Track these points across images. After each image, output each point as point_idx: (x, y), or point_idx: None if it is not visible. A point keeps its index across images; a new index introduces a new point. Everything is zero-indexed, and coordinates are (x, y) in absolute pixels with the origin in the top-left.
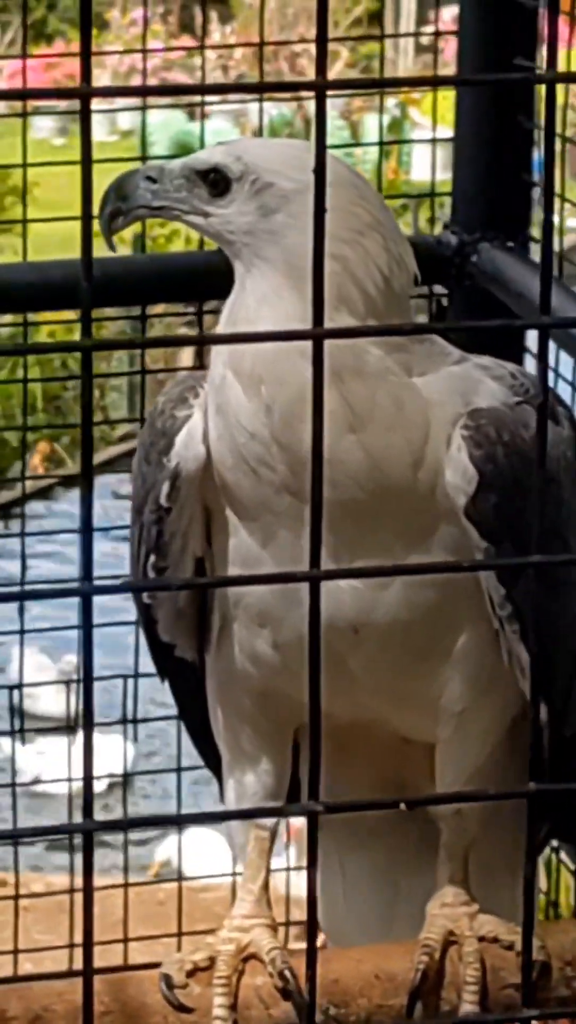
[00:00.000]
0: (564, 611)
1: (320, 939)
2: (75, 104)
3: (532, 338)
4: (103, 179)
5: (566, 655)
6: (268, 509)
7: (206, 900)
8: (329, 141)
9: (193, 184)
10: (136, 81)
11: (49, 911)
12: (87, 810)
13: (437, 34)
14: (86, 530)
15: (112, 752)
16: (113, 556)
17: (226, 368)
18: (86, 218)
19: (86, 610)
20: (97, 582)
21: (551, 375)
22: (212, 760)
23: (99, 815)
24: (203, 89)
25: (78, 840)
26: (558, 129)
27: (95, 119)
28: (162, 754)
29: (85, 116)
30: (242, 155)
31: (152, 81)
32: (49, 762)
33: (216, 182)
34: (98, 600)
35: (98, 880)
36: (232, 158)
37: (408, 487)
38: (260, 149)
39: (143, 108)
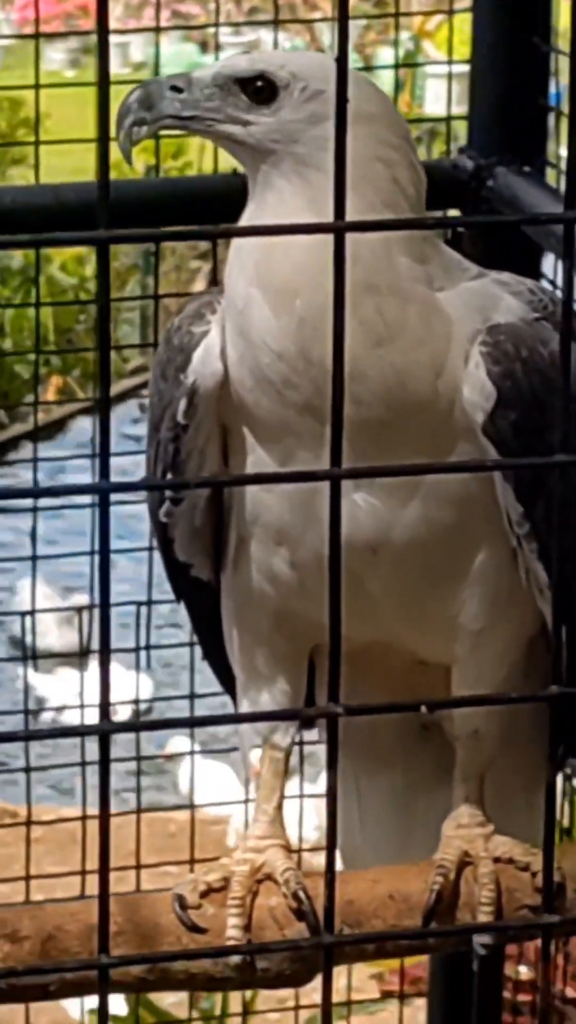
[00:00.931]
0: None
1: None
2: (83, 41)
3: (548, 264)
4: (114, 109)
5: None
6: (288, 430)
7: (217, 832)
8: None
9: (227, 92)
10: (149, 12)
11: (61, 842)
12: (104, 711)
13: None
14: (104, 431)
15: (127, 685)
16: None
17: (251, 286)
18: (103, 137)
19: (103, 509)
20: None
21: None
22: (228, 682)
23: (115, 749)
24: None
25: (91, 773)
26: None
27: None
28: (177, 687)
29: (103, 47)
30: (286, 63)
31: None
32: (60, 693)
33: (261, 89)
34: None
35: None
36: (276, 66)
37: (429, 404)
38: (299, 59)
39: (156, 41)
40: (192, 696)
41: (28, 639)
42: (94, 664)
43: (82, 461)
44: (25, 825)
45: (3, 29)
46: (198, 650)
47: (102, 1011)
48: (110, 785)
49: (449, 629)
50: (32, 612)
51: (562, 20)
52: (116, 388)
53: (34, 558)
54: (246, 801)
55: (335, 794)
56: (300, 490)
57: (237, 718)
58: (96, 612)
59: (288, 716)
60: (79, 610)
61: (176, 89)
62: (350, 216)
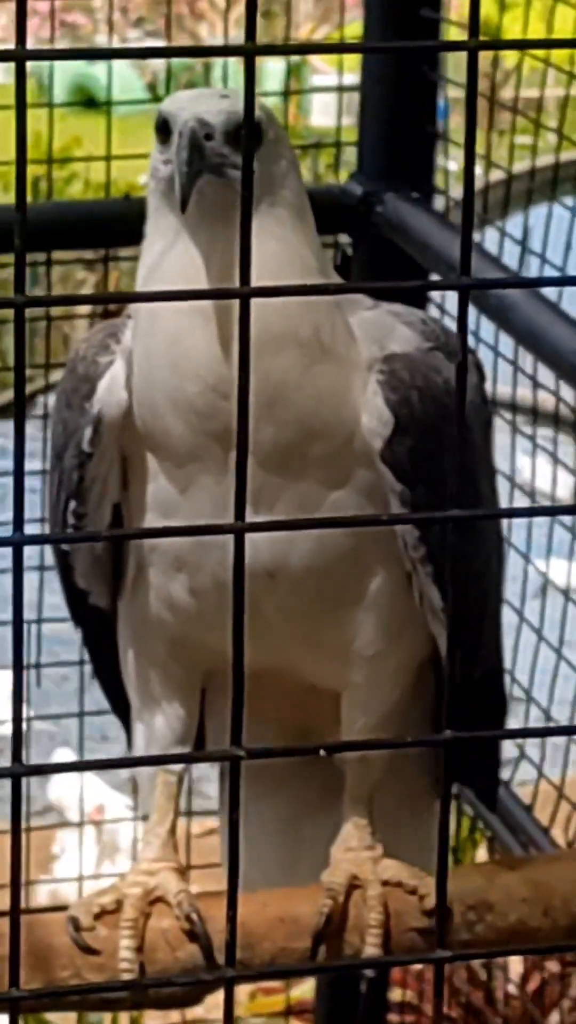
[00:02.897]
0: (476, 552)
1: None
2: None
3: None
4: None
5: (477, 597)
6: (195, 456)
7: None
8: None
9: (232, 138)
10: (35, 21)
11: None
12: (15, 754)
13: None
14: (17, 480)
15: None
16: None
17: (188, 316)
18: (20, 178)
19: (16, 560)
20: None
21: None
22: (118, 704)
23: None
24: (154, 52)
25: None
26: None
27: None
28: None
29: (20, 77)
30: (261, 106)
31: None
32: None
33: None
34: None
35: None
36: (262, 111)
37: (334, 430)
38: (256, 100)
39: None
40: (81, 715)
41: None
42: None
43: None
44: None
45: None
46: (88, 668)
47: None
48: (20, 828)
49: (343, 654)
50: None
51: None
52: (3, 399)
53: None
54: (135, 819)
55: (237, 830)
56: (200, 517)
57: (137, 761)
58: None
59: (188, 759)
60: None
61: (208, 137)
62: (310, 245)
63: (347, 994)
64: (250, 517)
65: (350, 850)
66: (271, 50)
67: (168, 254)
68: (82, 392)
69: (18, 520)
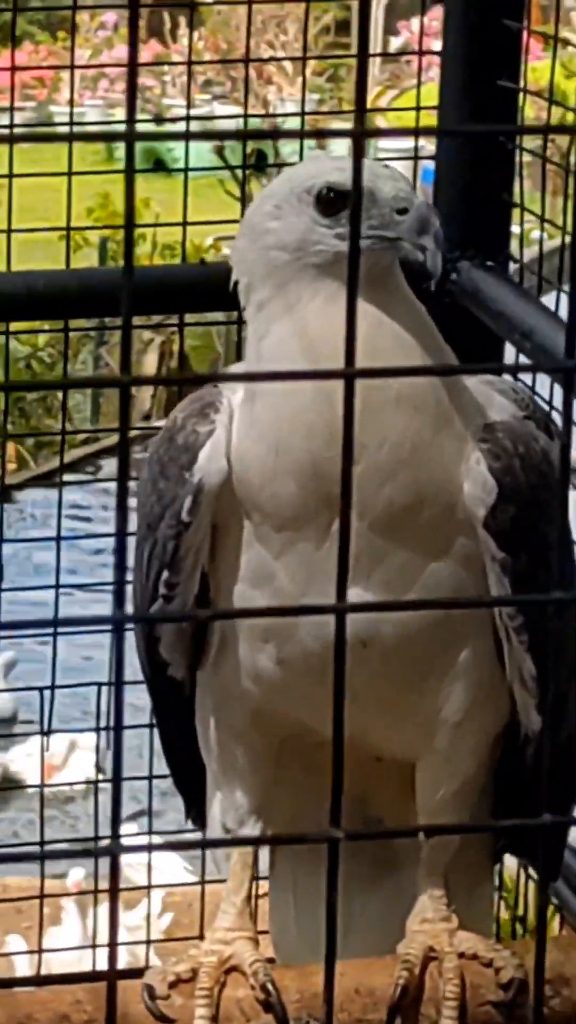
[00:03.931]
0: (571, 621)
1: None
2: (38, 112)
3: (509, 353)
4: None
5: (565, 664)
6: (299, 521)
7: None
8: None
9: None
10: (103, 82)
11: (4, 913)
12: (115, 830)
13: (421, 54)
14: (119, 560)
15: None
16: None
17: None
18: (127, 255)
19: (118, 640)
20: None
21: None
22: (183, 778)
23: (71, 814)
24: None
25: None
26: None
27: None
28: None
29: (130, 155)
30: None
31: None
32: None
33: None
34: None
35: (57, 885)
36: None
37: (440, 498)
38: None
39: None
40: (151, 777)
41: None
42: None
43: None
44: None
45: None
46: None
47: None
48: (118, 902)
49: (428, 722)
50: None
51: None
52: (67, 457)
53: None
54: (202, 883)
55: (335, 912)
56: (294, 583)
57: (241, 842)
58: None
59: (286, 841)
60: (41, 690)
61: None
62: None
63: None
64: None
65: (426, 921)
66: (378, 133)
67: (321, 323)
68: (181, 461)
69: (119, 597)
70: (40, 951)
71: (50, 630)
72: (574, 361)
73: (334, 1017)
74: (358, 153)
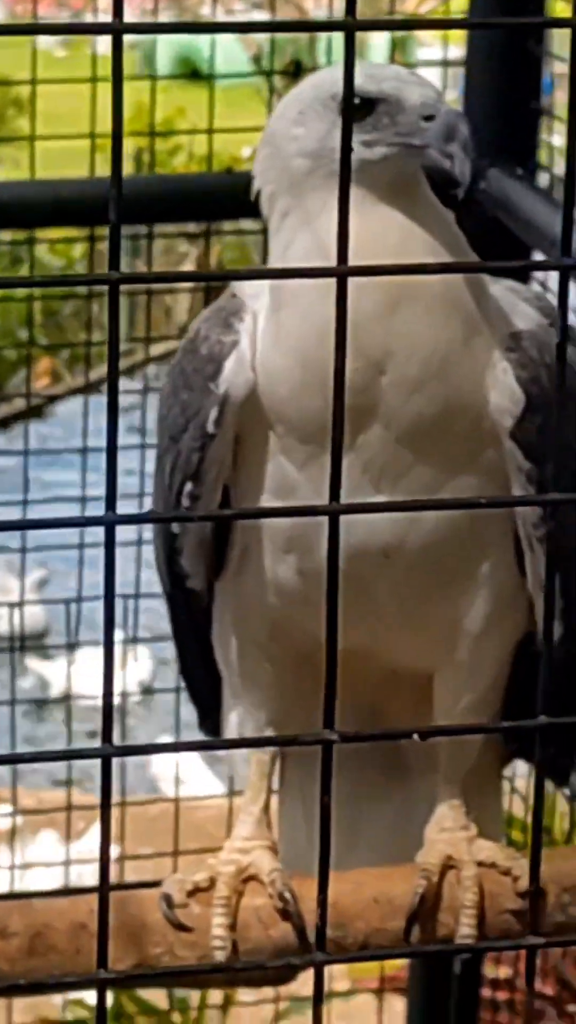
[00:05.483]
0: None
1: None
2: (76, 17)
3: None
4: (104, 95)
5: None
6: (325, 433)
7: (197, 819)
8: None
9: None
10: None
11: (38, 825)
12: (106, 735)
13: None
14: (110, 460)
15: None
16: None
17: (361, 296)
18: (116, 153)
19: (108, 540)
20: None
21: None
22: (197, 688)
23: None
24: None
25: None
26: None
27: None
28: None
29: (117, 50)
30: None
31: None
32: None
33: None
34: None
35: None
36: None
37: (470, 407)
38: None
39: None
40: (178, 690)
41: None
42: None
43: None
44: (11, 816)
45: None
46: None
47: (100, 1022)
48: (111, 806)
49: (449, 632)
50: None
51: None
52: (103, 370)
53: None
54: (229, 795)
55: (328, 815)
56: (318, 496)
57: (234, 743)
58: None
59: (280, 743)
60: (67, 603)
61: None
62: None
63: (441, 968)
64: (371, 496)
65: (445, 830)
66: (371, 25)
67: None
68: (206, 372)
69: (111, 499)
70: (67, 863)
71: (77, 543)
72: (571, 260)
73: (352, 925)
74: (349, 46)
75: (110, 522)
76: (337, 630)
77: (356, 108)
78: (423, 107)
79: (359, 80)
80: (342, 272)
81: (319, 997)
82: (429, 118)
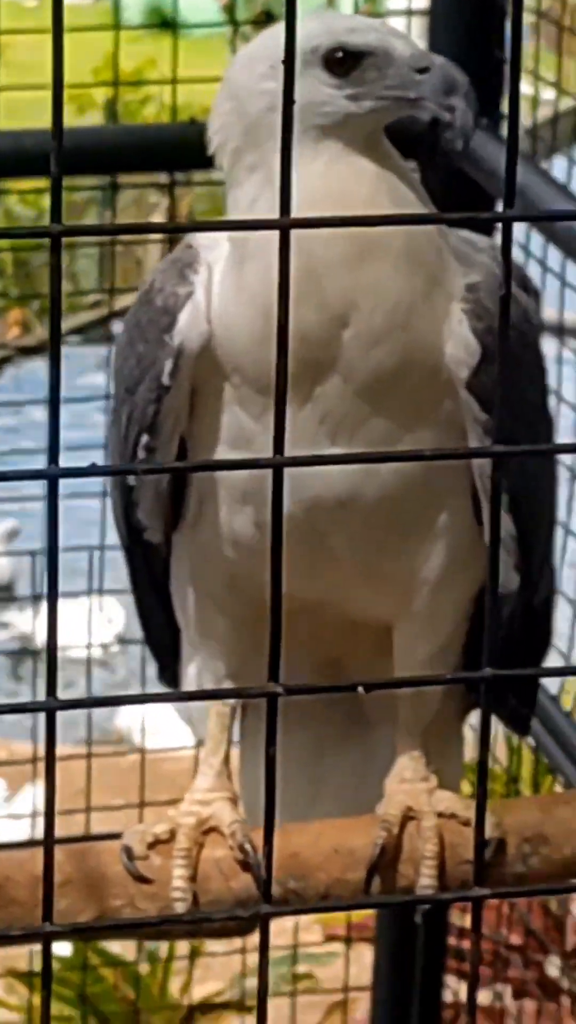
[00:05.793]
0: (542, 475)
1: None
2: None
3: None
4: (75, 46)
5: (543, 523)
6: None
7: (168, 770)
8: (304, 5)
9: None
10: None
11: (12, 778)
12: (51, 688)
13: None
14: (53, 411)
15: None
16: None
17: (326, 248)
18: (57, 103)
19: (51, 494)
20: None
21: (522, 252)
22: (157, 640)
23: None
24: None
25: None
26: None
27: None
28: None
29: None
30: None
31: None
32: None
33: None
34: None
35: (61, 749)
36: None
37: (427, 360)
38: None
39: None
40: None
41: None
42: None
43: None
44: None
45: None
46: None
47: (45, 975)
48: (55, 761)
49: (407, 584)
50: None
51: None
52: (73, 322)
53: None
54: (196, 746)
55: (273, 766)
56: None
57: (186, 696)
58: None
59: (225, 695)
60: (32, 554)
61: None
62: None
63: (407, 918)
64: (328, 448)
65: (405, 782)
66: None
67: (325, 182)
68: (161, 324)
69: (53, 452)
70: (34, 815)
71: (43, 495)
72: (511, 212)
73: (313, 876)
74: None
75: (53, 475)
76: (282, 582)
77: (339, 62)
78: (414, 59)
79: (342, 34)
80: (284, 224)
81: (265, 950)
82: (423, 70)
